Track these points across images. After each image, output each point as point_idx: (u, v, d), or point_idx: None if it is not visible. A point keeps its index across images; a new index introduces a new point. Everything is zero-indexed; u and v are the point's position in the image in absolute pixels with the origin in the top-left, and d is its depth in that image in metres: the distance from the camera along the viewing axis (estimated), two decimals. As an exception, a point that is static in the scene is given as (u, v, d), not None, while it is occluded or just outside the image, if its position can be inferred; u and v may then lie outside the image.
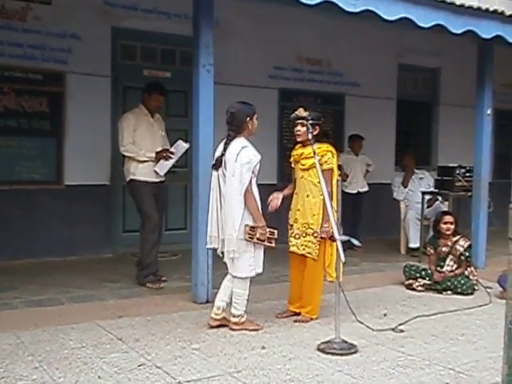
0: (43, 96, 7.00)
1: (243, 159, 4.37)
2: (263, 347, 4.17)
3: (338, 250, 4.12)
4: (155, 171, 5.90)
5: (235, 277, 4.53)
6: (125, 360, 3.83)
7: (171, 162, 5.99)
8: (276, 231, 4.52)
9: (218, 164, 4.53)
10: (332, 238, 4.69)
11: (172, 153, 5.98)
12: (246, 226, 4.41)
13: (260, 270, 4.57)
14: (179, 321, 4.76)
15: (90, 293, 5.57)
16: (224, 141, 4.57)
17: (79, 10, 7.01)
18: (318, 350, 4.14)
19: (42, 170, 7.03)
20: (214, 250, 4.71)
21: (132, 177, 5.88)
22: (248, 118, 4.53)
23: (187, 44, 6.96)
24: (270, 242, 4.50)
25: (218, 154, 4.57)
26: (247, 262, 4.47)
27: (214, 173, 4.58)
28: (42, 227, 6.94)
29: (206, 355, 3.98)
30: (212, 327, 4.54)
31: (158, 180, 5.97)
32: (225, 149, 4.50)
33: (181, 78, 7.68)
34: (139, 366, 3.73)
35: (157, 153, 5.91)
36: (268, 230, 4.47)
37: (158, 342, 4.21)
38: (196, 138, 5.32)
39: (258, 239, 4.43)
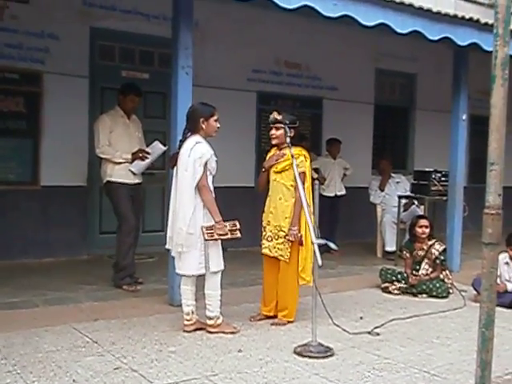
0: (20, 96, 6.92)
1: (196, 154, 4.40)
2: (240, 350, 4.17)
3: (315, 253, 4.13)
4: (130, 170, 5.88)
5: (179, 274, 4.55)
6: (100, 363, 3.80)
7: (147, 162, 5.97)
8: (237, 222, 4.51)
9: (173, 161, 4.57)
10: (300, 242, 4.75)
11: (148, 153, 5.96)
12: (202, 227, 4.39)
13: (218, 269, 4.53)
14: (156, 323, 4.74)
15: (65, 295, 5.51)
16: (180, 139, 4.63)
17: (57, 9, 6.94)
18: (295, 353, 4.15)
19: (18, 171, 6.95)
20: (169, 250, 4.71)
21: (108, 178, 5.85)
22: (202, 119, 4.54)
23: (166, 45, 6.94)
24: (234, 234, 4.48)
25: (173, 151, 4.62)
26: (196, 259, 4.44)
27: (172, 171, 4.62)
28: (18, 228, 6.85)
29: (183, 358, 3.97)
30: (187, 332, 4.52)
31: (134, 182, 5.95)
32: (179, 146, 4.55)
33: (159, 79, 7.65)
34: (115, 369, 3.71)
35: (133, 153, 5.89)
36: (228, 223, 4.46)
37: (135, 345, 4.18)
38: (174, 139, 5.28)
39: (219, 235, 4.42)
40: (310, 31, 8.41)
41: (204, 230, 4.40)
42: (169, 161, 4.67)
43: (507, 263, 5.93)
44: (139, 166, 5.92)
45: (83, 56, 7.29)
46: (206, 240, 4.41)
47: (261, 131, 8.74)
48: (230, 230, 4.46)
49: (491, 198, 2.83)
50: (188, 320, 4.54)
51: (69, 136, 7.09)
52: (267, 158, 5.05)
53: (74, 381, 3.51)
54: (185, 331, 4.52)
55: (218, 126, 4.64)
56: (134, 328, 4.60)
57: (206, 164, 4.43)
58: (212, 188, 4.52)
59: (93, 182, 7.31)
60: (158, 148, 6.04)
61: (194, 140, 4.49)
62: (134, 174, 5.91)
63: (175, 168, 4.56)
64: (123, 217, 5.83)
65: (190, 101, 5.24)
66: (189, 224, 4.37)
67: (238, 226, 4.51)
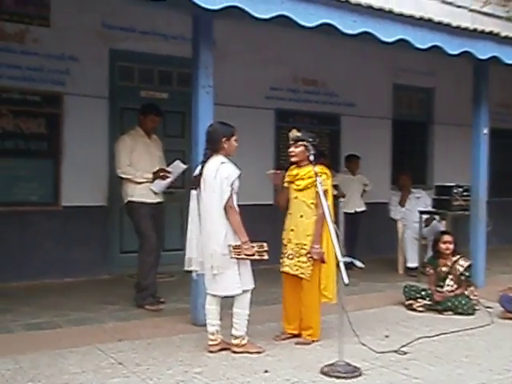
0: (41, 117, 6.99)
1: (222, 174, 4.39)
2: (266, 371, 4.11)
3: (340, 271, 4.08)
4: (151, 189, 5.88)
5: (220, 296, 4.51)
6: (126, 385, 3.78)
7: (168, 181, 5.98)
8: (265, 244, 4.50)
9: (196, 183, 4.54)
10: (323, 260, 4.71)
11: (169, 172, 5.98)
12: (229, 245, 4.39)
13: (249, 287, 4.53)
14: (180, 344, 4.71)
15: (87, 315, 5.51)
16: (201, 160, 4.60)
17: (77, 32, 7.02)
18: (322, 373, 4.09)
19: (39, 192, 7.00)
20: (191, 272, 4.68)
21: (130, 198, 5.86)
22: (224, 139, 4.54)
23: (184, 65, 7.03)
24: (262, 255, 4.47)
25: (196, 172, 4.59)
26: (232, 279, 4.43)
27: (193, 193, 4.58)
28: (39, 248, 6.88)
29: (209, 379, 3.92)
30: (212, 352, 4.48)
31: (156, 201, 5.95)
32: (202, 167, 4.52)
33: (178, 98, 7.70)
34: (141, 390, 3.69)
35: (154, 173, 5.90)
36: (255, 244, 4.45)
37: (160, 366, 4.15)
38: (195, 158, 5.29)
39: (246, 255, 4.41)
40: (326, 48, 8.39)
41: (231, 248, 4.39)
42: (191, 182, 4.63)
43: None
44: (160, 185, 5.93)
45: (103, 77, 7.36)
46: (232, 258, 4.39)
47: (279, 148, 8.72)
48: (257, 251, 4.44)
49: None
50: (213, 340, 4.50)
51: (89, 156, 7.14)
52: (289, 175, 5.02)
53: (100, 403, 3.49)
54: (210, 351, 4.48)
55: (236, 145, 4.65)
56: (159, 348, 4.57)
57: (232, 184, 4.42)
58: (237, 207, 4.50)
59: (113, 202, 7.33)
60: (178, 167, 6.05)
61: (218, 160, 4.48)
62: (156, 193, 5.92)
63: (198, 189, 4.54)
64: (145, 236, 5.83)
65: (210, 120, 5.24)
66: (223, 245, 4.35)
67: (266, 248, 4.49)
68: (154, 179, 5.89)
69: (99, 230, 7.34)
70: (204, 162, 4.55)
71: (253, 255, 4.43)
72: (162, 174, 5.92)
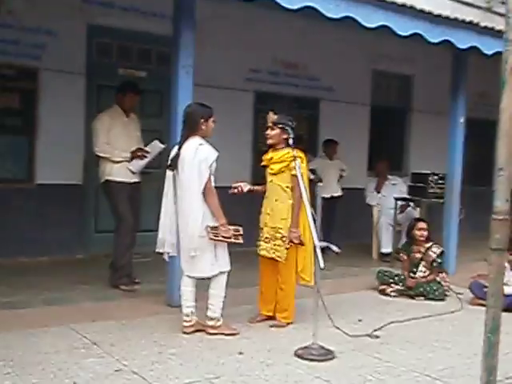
0: (15, 92, 6.85)
1: (201, 156, 4.37)
2: (241, 352, 4.15)
3: (316, 256, 4.11)
4: (129, 169, 5.84)
5: (196, 277, 4.52)
6: (101, 365, 3.76)
7: (146, 160, 5.94)
8: (241, 228, 4.52)
9: (173, 164, 4.51)
10: (301, 243, 4.73)
11: (147, 152, 5.93)
12: (207, 226, 4.39)
13: (226, 269, 4.55)
14: (155, 325, 4.71)
15: (62, 295, 5.46)
16: (179, 141, 4.57)
17: (55, 5, 6.83)
18: (296, 355, 4.14)
19: (13, 169, 6.88)
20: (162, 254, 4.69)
21: (107, 177, 5.80)
22: (202, 120, 4.53)
23: (164, 44, 6.95)
24: (237, 239, 4.49)
25: (172, 154, 4.56)
26: (209, 261, 4.44)
27: (169, 174, 4.57)
28: (13, 226, 6.76)
29: (184, 360, 3.94)
30: (187, 333, 4.49)
31: (133, 181, 5.91)
32: (179, 148, 4.50)
33: (156, 77, 7.61)
34: (116, 371, 3.68)
35: (132, 152, 5.85)
36: (232, 227, 4.46)
37: (134, 347, 4.15)
38: (173, 139, 5.24)
39: (223, 237, 4.42)
40: (307, 32, 8.38)
41: (209, 229, 4.39)
42: (168, 163, 4.60)
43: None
44: (138, 164, 5.88)
45: (80, 53, 7.22)
46: (211, 239, 4.39)
47: (258, 131, 8.70)
48: (233, 235, 4.44)
49: (499, 203, 2.82)
50: (188, 321, 4.51)
51: (65, 134, 7.02)
52: (264, 159, 5.01)
53: (74, 383, 3.48)
54: (184, 333, 4.49)
55: (213, 126, 4.65)
56: (133, 329, 4.56)
57: (210, 166, 4.40)
58: (214, 189, 4.49)
59: (89, 181, 7.24)
60: (157, 147, 6.00)
61: (196, 142, 4.45)
62: (133, 172, 5.87)
63: (175, 171, 4.52)
64: (121, 217, 5.79)
65: (190, 100, 5.20)
66: (200, 227, 4.34)
67: (241, 232, 4.52)
68: (131, 158, 5.84)
69: (74, 209, 7.26)
70: (181, 143, 4.52)
71: (229, 238, 4.44)
72: (139, 153, 5.86)
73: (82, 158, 7.23)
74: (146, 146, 6.02)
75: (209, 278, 4.52)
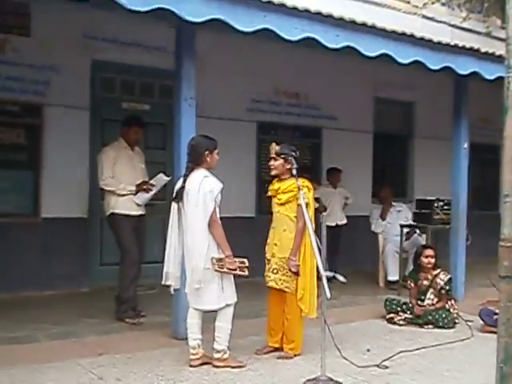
0: (21, 128, 6.90)
1: (206, 188, 4.37)
2: (248, 386, 4.10)
3: (323, 285, 4.07)
4: (135, 202, 5.85)
5: (202, 310, 4.48)
6: (107, 401, 3.73)
7: (151, 193, 5.97)
8: (246, 260, 4.51)
9: (179, 197, 4.51)
10: (298, 273, 4.70)
11: (152, 185, 5.95)
12: (213, 258, 4.38)
13: (232, 301, 4.51)
14: (161, 358, 4.66)
15: (67, 329, 5.43)
16: (184, 173, 4.58)
17: (58, 42, 6.96)
18: (304, 387, 4.08)
19: (18, 203, 6.89)
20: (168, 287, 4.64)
21: (112, 210, 5.82)
22: (207, 152, 4.54)
23: (166, 77, 7.00)
24: (243, 271, 4.48)
25: (178, 186, 4.56)
26: (215, 293, 4.41)
27: (174, 206, 4.56)
28: (18, 261, 6.76)
29: (191, 394, 3.90)
30: (194, 366, 4.44)
31: (138, 213, 5.93)
32: (184, 181, 4.50)
33: (159, 110, 7.69)
34: (122, 406, 3.64)
35: (137, 185, 5.88)
36: (237, 259, 4.45)
37: (141, 381, 4.11)
38: (178, 171, 5.26)
39: (228, 269, 4.40)
40: (308, 61, 8.44)
41: (214, 261, 4.37)
42: (174, 195, 4.59)
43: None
44: (144, 197, 5.91)
45: (84, 88, 7.29)
46: (216, 271, 4.37)
47: (261, 161, 8.73)
48: (238, 267, 4.43)
49: (506, 231, 2.80)
50: (194, 354, 4.47)
51: (69, 168, 7.06)
52: (271, 189, 5.01)
53: (80, 419, 3.43)
54: (191, 366, 4.44)
55: (218, 158, 4.66)
56: (139, 363, 4.52)
57: (215, 198, 4.40)
58: (219, 220, 4.49)
59: (93, 214, 7.27)
60: (162, 180, 6.03)
61: (201, 174, 4.46)
62: (138, 205, 5.89)
63: (180, 203, 4.51)
64: (126, 249, 5.79)
65: (193, 132, 5.23)
66: (205, 259, 4.33)
67: (247, 264, 4.50)
68: (137, 192, 5.86)
69: (79, 242, 7.25)
70: (186, 176, 4.53)
71: (235, 270, 4.43)
72: (145, 186, 5.89)
73: (87, 191, 7.25)
74: (150, 178, 6.05)
75: (215, 311, 4.48)
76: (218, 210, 4.47)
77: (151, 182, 5.98)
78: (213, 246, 4.40)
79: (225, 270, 4.40)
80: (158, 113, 7.64)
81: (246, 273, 4.49)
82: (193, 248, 4.39)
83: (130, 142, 6.01)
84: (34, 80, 6.92)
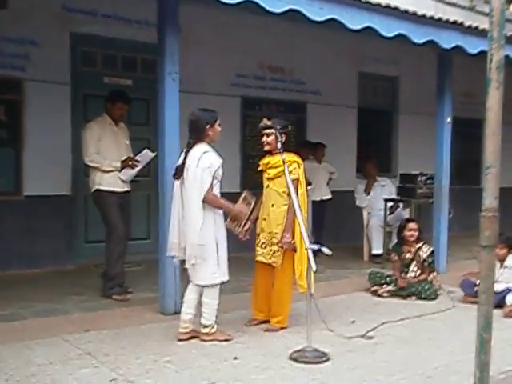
0: (0, 104, 6.79)
1: (204, 164, 4.34)
2: (236, 358, 4.13)
3: (308, 259, 4.10)
4: (120, 178, 5.82)
5: (198, 285, 4.48)
6: (96, 375, 3.74)
7: (136, 169, 5.93)
8: (244, 193, 4.65)
9: (178, 173, 4.48)
10: (294, 249, 4.72)
11: (138, 161, 5.92)
12: (228, 222, 4.50)
13: (225, 278, 4.53)
14: (148, 333, 4.68)
15: (54, 306, 5.42)
16: (185, 149, 4.54)
17: (36, 14, 6.80)
18: (291, 359, 4.13)
19: (0, 181, 6.82)
20: (173, 257, 4.64)
21: (98, 187, 5.78)
22: (208, 125, 4.49)
23: (149, 51, 6.94)
24: (250, 204, 4.62)
25: (179, 162, 4.53)
26: (210, 269, 4.41)
27: (176, 182, 4.54)
28: (2, 239, 6.71)
29: (179, 367, 3.92)
30: (182, 340, 4.47)
31: (123, 190, 5.89)
32: (185, 157, 4.46)
33: (142, 85, 7.60)
34: (111, 381, 3.65)
35: (122, 161, 5.84)
36: (239, 203, 4.55)
37: (129, 356, 4.12)
38: (162, 146, 5.26)
39: (245, 215, 4.55)
40: (293, 35, 8.41)
41: (230, 223, 4.53)
42: (173, 172, 4.55)
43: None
44: (129, 174, 5.87)
45: (64, 62, 7.18)
46: (241, 232, 4.58)
47: (245, 136, 8.71)
48: (246, 204, 4.54)
49: (488, 201, 2.83)
50: (184, 328, 4.49)
51: (52, 144, 6.99)
52: (261, 164, 5.00)
53: (69, 394, 3.46)
54: (179, 340, 4.47)
55: (220, 129, 4.61)
56: (127, 338, 4.53)
57: (215, 173, 4.38)
58: (219, 195, 4.49)
59: (77, 191, 7.22)
60: (147, 156, 6.00)
61: (200, 149, 4.41)
62: (124, 181, 5.86)
63: (181, 179, 4.46)
64: (113, 225, 5.76)
65: (177, 107, 5.22)
66: (199, 235, 4.31)
67: (245, 194, 4.61)
68: (122, 168, 5.82)
69: (63, 219, 7.21)
70: (187, 152, 4.47)
71: (247, 213, 4.55)
72: (130, 162, 5.86)
73: (70, 168, 7.20)
74: (135, 154, 6.01)
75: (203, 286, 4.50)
76: (218, 185, 4.46)
77: (136, 158, 5.94)
78: (208, 222, 4.38)
79: (244, 221, 4.54)
80: (140, 88, 7.56)
81: (253, 201, 4.62)
82: (188, 223, 4.38)
83: (114, 117, 5.94)
84: (13, 54, 6.78)
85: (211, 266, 4.41)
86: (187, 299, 4.53)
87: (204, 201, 4.34)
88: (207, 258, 4.38)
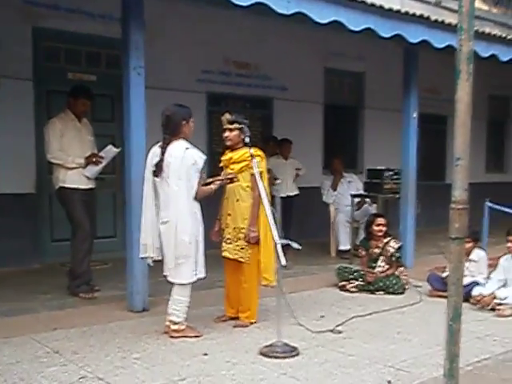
0: (-40, 101, 6.63)
1: (189, 161, 4.30)
2: (205, 354, 4.12)
3: (277, 253, 4.09)
4: (84, 175, 5.74)
5: (176, 283, 4.44)
6: (64, 373, 3.69)
7: (101, 166, 5.85)
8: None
9: (158, 169, 4.39)
10: (258, 242, 4.72)
11: (102, 157, 5.84)
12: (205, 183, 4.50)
13: (203, 275, 4.51)
14: (117, 330, 4.63)
15: (20, 306, 5.31)
16: (159, 145, 4.46)
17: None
18: (261, 354, 4.13)
19: (-37, 180, 6.66)
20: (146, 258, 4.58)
21: (62, 184, 5.68)
22: (184, 121, 4.45)
23: (113, 46, 6.84)
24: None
25: (155, 159, 4.44)
26: (190, 267, 4.39)
27: (150, 178, 4.46)
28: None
29: (149, 364, 3.89)
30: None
31: (88, 187, 5.81)
32: (163, 153, 4.39)
33: (107, 81, 7.48)
34: (80, 378, 3.61)
35: (86, 158, 5.75)
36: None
37: (97, 353, 4.07)
38: (128, 143, 5.19)
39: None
40: (259, 30, 8.38)
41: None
42: (152, 168, 4.45)
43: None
44: (93, 170, 5.79)
45: (26, 58, 7.01)
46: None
47: (211, 133, 8.66)
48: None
49: (457, 193, 2.84)
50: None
51: (15, 141, 6.82)
52: (223, 160, 4.97)
53: (38, 393, 3.39)
54: (172, 337, 4.43)
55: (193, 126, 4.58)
56: (95, 336, 4.48)
57: (201, 170, 4.36)
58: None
59: (42, 189, 7.08)
60: (111, 151, 5.93)
61: (181, 146, 4.35)
62: (88, 178, 5.77)
63: (160, 177, 4.39)
64: (78, 223, 5.68)
65: (143, 101, 5.16)
66: (190, 233, 4.28)
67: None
68: (86, 164, 5.74)
69: (28, 218, 7.05)
70: (164, 148, 4.40)
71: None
72: (94, 159, 5.77)
73: (34, 165, 7.05)
74: (99, 151, 5.93)
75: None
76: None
77: (100, 154, 5.86)
78: (195, 220, 4.36)
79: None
80: (105, 83, 7.44)
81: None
82: (176, 223, 4.30)
83: (77, 113, 5.84)
84: (-27, 50, 6.63)
85: (191, 264, 4.39)
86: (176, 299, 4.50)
87: (196, 197, 4.31)
88: (189, 257, 4.36)
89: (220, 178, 4.63)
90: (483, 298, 5.49)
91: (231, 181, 4.65)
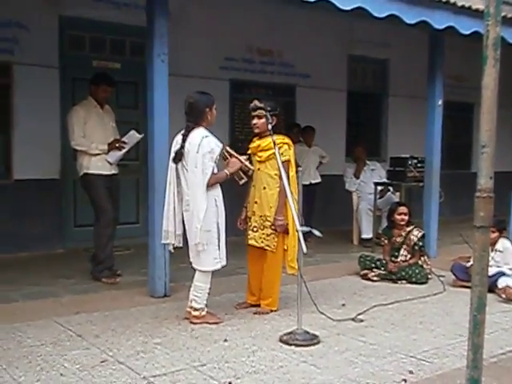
0: (-11, 88, 6.72)
1: (205, 149, 4.29)
2: (225, 340, 4.13)
3: (299, 241, 4.09)
4: (107, 160, 5.78)
5: (200, 270, 4.47)
6: (86, 357, 3.73)
7: (123, 151, 5.90)
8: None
9: (178, 157, 4.42)
10: (286, 231, 4.71)
11: (124, 142, 5.88)
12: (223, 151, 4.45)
13: (225, 263, 4.53)
14: (138, 315, 4.67)
15: (43, 289, 5.41)
16: (182, 132, 4.48)
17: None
18: (281, 341, 4.12)
19: (-11, 165, 6.77)
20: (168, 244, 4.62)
21: (86, 171, 5.74)
22: (207, 109, 4.45)
23: (137, 34, 6.87)
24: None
25: (177, 146, 4.46)
26: (212, 254, 4.41)
27: (172, 165, 4.48)
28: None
29: (169, 349, 3.92)
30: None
31: (111, 173, 5.86)
32: (184, 140, 4.40)
33: (131, 68, 7.54)
34: (102, 362, 3.64)
35: (109, 144, 5.80)
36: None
37: (119, 338, 4.12)
38: (151, 129, 5.21)
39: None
40: (282, 18, 8.34)
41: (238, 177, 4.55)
42: (172, 155, 4.50)
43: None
44: (116, 156, 5.83)
45: (53, 46, 7.11)
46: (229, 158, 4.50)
47: (234, 120, 8.67)
48: (230, 156, 4.55)
49: (483, 181, 2.79)
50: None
51: (41, 128, 6.94)
52: (251, 147, 4.96)
53: (61, 375, 3.44)
54: (192, 323, 4.47)
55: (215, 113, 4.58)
56: (117, 320, 4.52)
57: (216, 158, 4.35)
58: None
59: (66, 175, 7.18)
60: (134, 137, 5.96)
61: (199, 134, 4.36)
62: (111, 164, 5.82)
63: (180, 164, 4.43)
64: (101, 209, 5.74)
65: (166, 88, 5.17)
66: (204, 221, 4.29)
67: (224, 150, 4.52)
68: (109, 150, 5.78)
69: (53, 203, 7.17)
70: (185, 135, 4.42)
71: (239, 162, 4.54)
72: (117, 144, 5.81)
73: (59, 152, 7.15)
74: (122, 136, 5.97)
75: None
76: (216, 171, 4.41)
77: (123, 139, 5.89)
78: (211, 208, 4.36)
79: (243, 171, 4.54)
80: (129, 71, 7.49)
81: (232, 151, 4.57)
82: (192, 209, 4.34)
83: (99, 100, 5.89)
84: (1, 37, 6.72)
85: (213, 252, 4.41)
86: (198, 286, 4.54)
87: (208, 185, 4.32)
88: (210, 244, 4.37)
89: (240, 158, 4.58)
90: (510, 289, 5.42)
91: (245, 173, 4.60)
